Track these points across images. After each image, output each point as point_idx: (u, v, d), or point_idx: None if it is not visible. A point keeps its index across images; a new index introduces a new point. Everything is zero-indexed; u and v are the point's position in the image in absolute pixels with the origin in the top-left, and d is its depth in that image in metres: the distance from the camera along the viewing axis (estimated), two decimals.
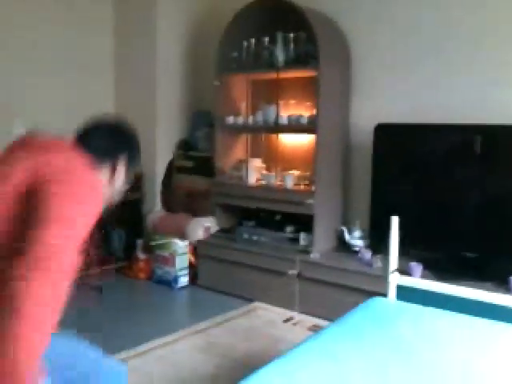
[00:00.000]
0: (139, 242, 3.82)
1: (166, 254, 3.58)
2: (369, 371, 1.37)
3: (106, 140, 1.51)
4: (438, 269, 2.79)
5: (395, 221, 1.89)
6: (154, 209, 4.08)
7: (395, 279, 1.90)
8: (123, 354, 2.51)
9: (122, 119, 1.63)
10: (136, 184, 4.08)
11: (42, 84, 3.77)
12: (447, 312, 1.75)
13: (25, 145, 1.35)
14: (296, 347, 1.54)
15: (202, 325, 2.91)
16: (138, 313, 3.11)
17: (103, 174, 1.44)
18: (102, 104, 4.09)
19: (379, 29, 3.27)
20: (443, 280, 2.63)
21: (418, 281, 1.91)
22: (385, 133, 3.02)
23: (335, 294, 2.92)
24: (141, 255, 3.76)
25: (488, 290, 2.47)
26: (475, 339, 1.56)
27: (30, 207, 1.17)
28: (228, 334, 2.81)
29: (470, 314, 1.74)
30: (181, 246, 3.56)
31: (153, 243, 3.68)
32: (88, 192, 1.25)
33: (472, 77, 2.94)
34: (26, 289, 1.06)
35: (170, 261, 3.56)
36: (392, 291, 1.91)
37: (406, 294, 1.91)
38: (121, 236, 3.94)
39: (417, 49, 3.13)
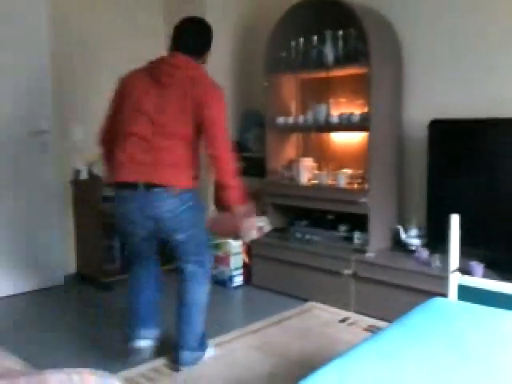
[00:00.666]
0: None
1: (220, 253, 3.63)
2: (432, 375, 1.34)
3: (200, 41, 2.39)
4: (500, 268, 2.70)
5: (455, 219, 1.84)
6: (208, 209, 4.12)
7: (456, 279, 1.86)
8: None
9: (200, 18, 2.50)
10: None
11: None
12: None
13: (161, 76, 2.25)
14: (354, 348, 1.53)
15: (258, 324, 2.93)
16: None
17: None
18: None
19: (431, 20, 3.19)
20: (506, 279, 2.55)
21: (480, 280, 1.85)
22: (440, 128, 2.95)
23: (392, 294, 2.87)
24: None
25: None
26: None
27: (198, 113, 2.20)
28: (283, 333, 2.82)
29: None
30: (235, 245, 3.60)
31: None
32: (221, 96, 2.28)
33: None
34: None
35: (224, 260, 3.61)
36: (453, 291, 1.86)
37: (466, 295, 1.86)
38: None
39: (473, 40, 3.03)
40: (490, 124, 2.81)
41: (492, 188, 2.80)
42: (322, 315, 3.06)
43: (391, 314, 2.56)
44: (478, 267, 2.65)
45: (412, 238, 3.07)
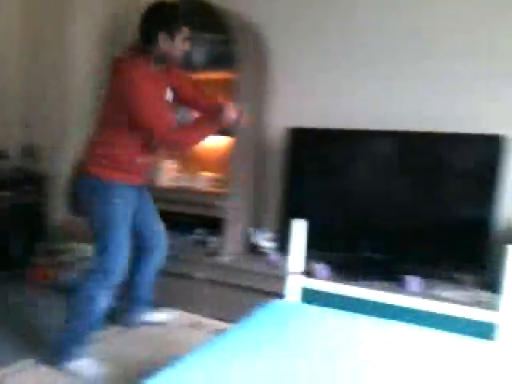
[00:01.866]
0: (39, 245, 3.60)
1: (68, 259, 3.39)
2: (266, 375, 1.34)
3: (146, 26, 2.33)
4: (345, 270, 2.86)
5: (297, 223, 1.90)
6: (58, 212, 3.84)
7: (298, 281, 1.90)
8: None
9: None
10: (36, 186, 3.84)
11: None
12: (349, 313, 1.76)
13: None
14: (189, 354, 1.49)
15: (104, 332, 2.77)
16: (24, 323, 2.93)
17: (157, 50, 2.32)
18: None
19: (296, 29, 3.30)
20: (349, 281, 2.70)
21: (320, 283, 1.93)
22: (295, 136, 3.07)
23: (244, 297, 2.90)
24: (41, 260, 3.53)
25: (392, 289, 2.59)
26: (376, 340, 1.57)
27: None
28: (131, 341, 2.70)
29: (374, 314, 1.75)
30: (83, 250, 3.39)
31: (55, 247, 3.49)
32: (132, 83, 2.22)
33: (379, 82, 3.05)
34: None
35: (71, 266, 3.37)
36: (295, 293, 1.91)
37: (312, 297, 1.91)
38: (20, 239, 3.69)
39: (338, 55, 3.17)
40: (342, 134, 2.99)
41: (340, 194, 2.98)
42: (174, 321, 2.98)
43: (242, 315, 2.57)
44: (323, 269, 2.77)
45: (265, 241, 3.14)
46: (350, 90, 3.14)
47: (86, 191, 2.37)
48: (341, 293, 1.87)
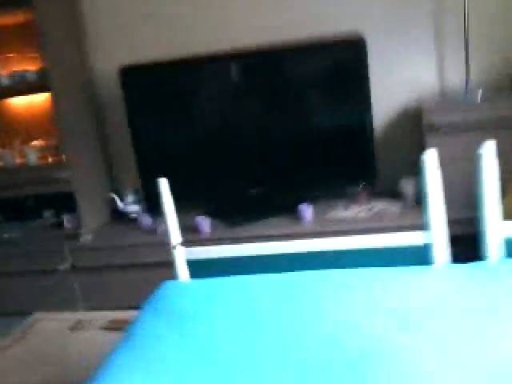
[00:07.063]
0: None
1: None
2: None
3: None
4: (227, 215, 2.56)
5: (164, 183, 1.48)
6: None
7: (182, 254, 1.53)
8: None
9: None
10: None
11: None
12: (239, 277, 1.44)
13: None
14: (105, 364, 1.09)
15: None
16: None
17: None
18: None
19: None
20: (235, 225, 2.41)
21: (204, 250, 1.56)
22: (132, 76, 2.58)
23: (124, 277, 2.49)
24: None
25: (287, 223, 2.36)
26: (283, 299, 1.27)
27: None
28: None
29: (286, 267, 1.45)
30: None
31: None
32: None
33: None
34: None
35: None
36: (183, 269, 1.54)
37: (198, 265, 1.57)
38: None
39: None
40: (179, 64, 2.57)
41: (200, 132, 2.62)
42: (50, 326, 2.48)
43: (130, 299, 2.15)
44: (204, 221, 2.45)
45: (130, 205, 2.71)
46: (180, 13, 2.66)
47: None
48: (231, 255, 1.54)
